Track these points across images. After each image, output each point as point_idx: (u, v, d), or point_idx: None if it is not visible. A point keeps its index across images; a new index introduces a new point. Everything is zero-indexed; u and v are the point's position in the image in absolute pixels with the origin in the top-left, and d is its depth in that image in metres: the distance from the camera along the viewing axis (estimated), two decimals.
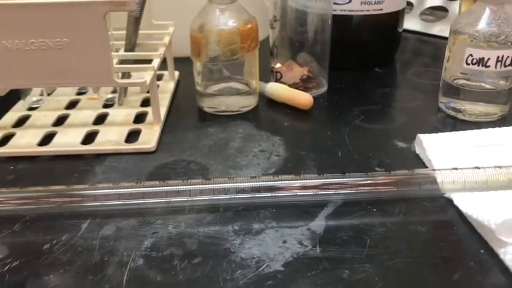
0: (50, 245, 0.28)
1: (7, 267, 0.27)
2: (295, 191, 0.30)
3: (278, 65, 0.49)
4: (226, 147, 0.38)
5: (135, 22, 0.41)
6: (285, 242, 0.28)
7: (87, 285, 0.25)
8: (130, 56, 0.41)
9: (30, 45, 0.33)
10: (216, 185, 0.31)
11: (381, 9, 0.51)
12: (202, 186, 0.30)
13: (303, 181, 0.30)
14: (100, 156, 0.38)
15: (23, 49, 0.34)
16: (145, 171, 0.35)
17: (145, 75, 0.37)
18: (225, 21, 0.41)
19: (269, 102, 0.46)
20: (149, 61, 0.42)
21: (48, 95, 0.47)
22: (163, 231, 0.29)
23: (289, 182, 0.31)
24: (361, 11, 0.51)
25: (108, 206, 0.31)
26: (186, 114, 0.45)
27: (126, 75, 0.44)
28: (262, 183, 0.30)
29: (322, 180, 0.31)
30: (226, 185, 0.31)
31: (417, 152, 0.37)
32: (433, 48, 0.63)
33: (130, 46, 0.42)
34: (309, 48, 0.47)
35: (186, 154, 0.38)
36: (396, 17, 0.54)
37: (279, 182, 0.31)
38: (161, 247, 0.28)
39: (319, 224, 0.29)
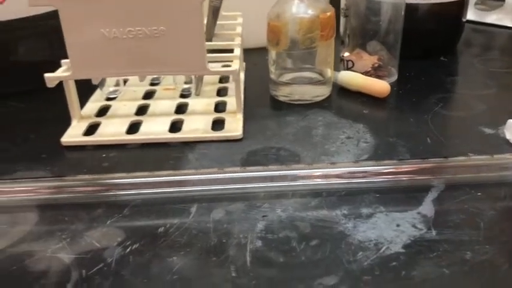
0: (164, 228, 0.29)
1: (128, 249, 0.27)
2: (400, 176, 0.31)
3: (346, 54, 0.49)
4: (310, 135, 0.39)
5: (215, 12, 0.41)
6: (398, 225, 0.28)
7: (212, 266, 0.26)
8: (213, 45, 0.41)
9: (128, 34, 0.34)
10: (320, 170, 0.31)
11: None
12: (306, 171, 0.31)
13: (407, 166, 0.31)
14: (188, 144, 0.38)
15: (120, 37, 0.34)
16: (238, 158, 0.36)
17: (232, 64, 0.38)
18: (305, 10, 0.41)
19: (341, 91, 0.46)
20: (227, 51, 0.42)
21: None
22: (273, 215, 0.30)
23: (394, 166, 0.31)
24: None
25: (213, 190, 0.31)
26: (260, 103, 0.45)
27: None
28: (368, 168, 0.30)
29: (424, 165, 0.31)
30: (328, 169, 0.31)
31: (507, 137, 0.37)
32: (489, 37, 0.62)
33: (210, 36, 0.42)
34: (381, 38, 0.46)
35: (272, 141, 0.38)
36: (461, 6, 0.54)
37: (383, 167, 0.31)
38: (275, 230, 0.28)
39: (427, 208, 0.30)
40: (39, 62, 0.49)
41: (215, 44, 0.42)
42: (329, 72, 0.45)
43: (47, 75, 0.36)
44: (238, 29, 0.46)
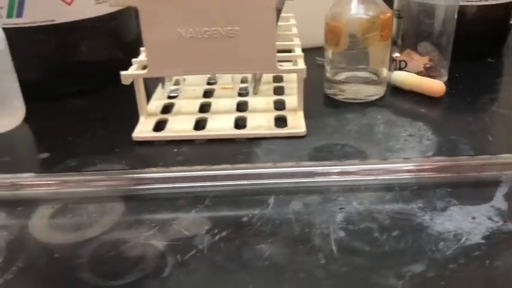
0: (247, 218, 0.30)
1: (217, 237, 0.29)
2: (469, 171, 0.32)
3: (396, 54, 0.50)
4: (372, 132, 0.40)
5: (277, 13, 0.43)
6: (474, 218, 0.29)
7: (301, 253, 0.27)
8: (278, 46, 0.43)
9: (203, 34, 0.35)
10: (392, 165, 0.32)
11: (496, 1, 0.52)
12: (381, 165, 0.32)
13: (480, 161, 0.32)
14: (253, 140, 0.39)
15: (196, 37, 0.36)
16: (305, 153, 0.37)
17: (298, 63, 0.39)
18: (365, 11, 0.42)
19: (393, 90, 0.48)
20: (283, 51, 0.44)
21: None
22: (350, 207, 0.31)
23: (462, 162, 0.32)
24: (477, 1, 0.52)
25: (288, 183, 0.33)
26: (315, 101, 0.46)
27: None
28: (442, 163, 0.31)
29: (492, 161, 0.32)
30: (400, 165, 0.32)
31: None
32: None
33: None
34: (435, 39, 0.48)
35: (335, 138, 0.39)
36: (508, 8, 0.54)
37: (451, 163, 0.32)
38: (355, 221, 0.30)
39: (500, 201, 0.31)
40: (98, 61, 0.51)
41: (280, 44, 0.43)
42: (384, 72, 0.46)
43: (123, 73, 0.38)
44: (294, 30, 0.48)
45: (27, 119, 0.43)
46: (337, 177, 0.33)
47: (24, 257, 0.28)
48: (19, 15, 0.44)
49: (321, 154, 0.37)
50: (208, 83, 0.50)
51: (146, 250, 0.28)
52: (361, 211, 0.30)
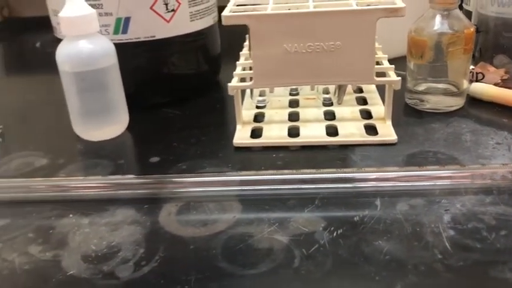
0: (358, 217, 0.33)
1: (335, 233, 0.31)
2: None
3: (472, 67, 0.52)
4: (460, 140, 0.42)
5: None
6: None
7: (417, 249, 0.29)
8: None
9: (307, 48, 0.39)
10: (491, 170, 0.34)
11: None
12: (478, 171, 0.34)
13: None
14: (346, 147, 0.42)
15: (300, 52, 0.39)
16: (399, 160, 0.39)
17: (390, 74, 0.42)
18: (450, 26, 0.45)
19: (472, 101, 0.49)
20: None
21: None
22: (454, 209, 0.33)
23: None
24: None
25: (392, 187, 0.35)
26: (397, 110, 0.48)
27: None
28: None
29: None
30: (496, 170, 0.34)
31: None
32: None
33: None
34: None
35: (426, 146, 0.41)
36: None
37: None
38: (462, 221, 0.32)
39: None
40: (187, 74, 0.55)
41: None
42: (465, 83, 0.48)
43: (230, 84, 0.42)
44: (377, 44, 0.50)
45: (129, 127, 0.48)
46: (437, 181, 0.35)
47: (163, 248, 0.31)
48: (124, 31, 0.48)
49: (415, 160, 0.39)
50: (291, 94, 0.53)
51: (272, 243, 0.31)
52: (465, 212, 0.32)
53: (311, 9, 0.38)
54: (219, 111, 0.53)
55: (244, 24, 0.38)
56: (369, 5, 0.40)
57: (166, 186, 0.37)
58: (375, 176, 0.35)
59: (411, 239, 0.30)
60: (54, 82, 0.65)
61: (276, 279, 0.28)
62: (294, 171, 0.36)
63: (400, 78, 0.40)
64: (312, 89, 0.50)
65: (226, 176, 0.36)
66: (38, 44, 0.85)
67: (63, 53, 0.43)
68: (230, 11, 0.39)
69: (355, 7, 0.38)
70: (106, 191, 0.37)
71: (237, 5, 0.43)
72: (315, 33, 0.38)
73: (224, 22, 0.39)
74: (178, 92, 0.54)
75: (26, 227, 0.34)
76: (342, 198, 0.35)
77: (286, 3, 0.44)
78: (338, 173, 0.35)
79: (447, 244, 0.30)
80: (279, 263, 0.29)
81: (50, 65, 0.76)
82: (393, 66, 0.43)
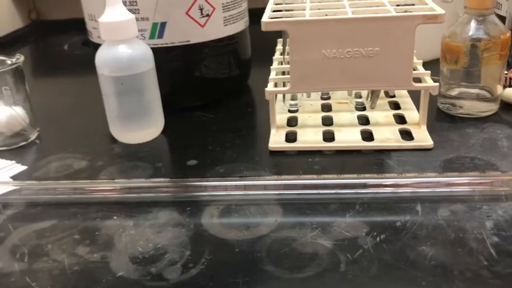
0: (400, 222, 0.33)
1: (378, 238, 0.32)
2: None
3: (505, 72, 0.52)
4: (497, 146, 0.42)
5: None
6: None
7: (462, 255, 0.30)
8: None
9: (345, 54, 0.39)
10: None
11: None
12: None
13: None
14: (381, 152, 0.42)
15: (338, 57, 0.39)
16: (436, 165, 0.40)
17: (428, 80, 0.42)
18: (486, 31, 0.45)
19: (505, 106, 0.49)
20: None
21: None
22: (496, 215, 0.33)
23: None
24: None
25: (433, 192, 0.35)
26: (430, 115, 0.48)
27: None
28: None
29: None
30: None
31: None
32: None
33: None
34: None
35: (462, 151, 0.42)
36: None
37: None
38: (505, 228, 0.32)
39: None
40: (219, 78, 0.55)
41: None
42: (499, 89, 0.48)
43: (267, 89, 0.42)
44: None
45: (163, 130, 0.48)
46: (477, 187, 0.35)
47: (208, 251, 0.32)
48: (160, 36, 0.49)
49: (453, 166, 0.39)
50: (322, 98, 0.53)
51: (316, 248, 0.31)
52: (508, 219, 0.33)
53: (350, 15, 0.38)
54: (250, 115, 0.54)
55: (284, 30, 0.39)
56: (406, 11, 0.41)
57: (207, 189, 0.37)
58: (415, 182, 0.35)
59: (455, 245, 0.31)
60: (85, 84, 0.67)
61: (324, 284, 0.29)
62: (336, 175, 0.36)
63: (437, 84, 0.40)
64: (349, 94, 0.50)
65: (268, 180, 0.37)
66: (65, 47, 0.87)
67: (102, 58, 0.44)
68: (269, 17, 0.40)
69: (394, 13, 0.38)
70: (148, 194, 0.38)
71: (273, 11, 0.44)
72: (354, 39, 0.38)
73: (264, 28, 0.39)
74: (210, 95, 0.55)
75: (73, 228, 0.35)
76: (382, 203, 0.35)
77: (321, 9, 0.44)
78: (379, 178, 0.36)
79: (492, 251, 0.30)
80: (325, 267, 0.30)
81: (78, 67, 0.78)
82: (429, 71, 0.43)
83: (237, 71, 0.57)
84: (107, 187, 0.38)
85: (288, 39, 0.47)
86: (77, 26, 0.96)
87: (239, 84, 0.58)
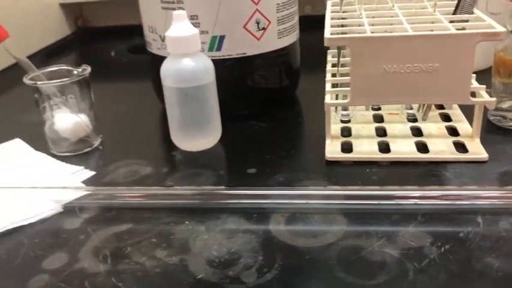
0: (463, 234, 0.34)
1: (442, 248, 0.33)
2: None
3: None
4: None
5: None
6: None
7: None
8: None
9: (405, 69, 0.40)
10: None
11: None
12: None
13: None
14: (436, 164, 0.43)
15: (398, 72, 0.41)
16: (493, 177, 0.41)
17: (483, 94, 0.43)
18: None
19: None
20: None
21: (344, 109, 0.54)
22: None
23: None
24: None
25: (493, 205, 0.37)
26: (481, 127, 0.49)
27: None
28: None
29: None
30: None
31: None
32: None
33: None
34: None
35: None
36: None
37: None
38: None
39: None
40: (271, 88, 0.57)
41: None
42: None
43: (327, 101, 0.44)
44: None
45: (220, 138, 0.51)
46: None
47: (280, 257, 0.34)
48: (218, 49, 0.51)
49: (508, 179, 0.41)
50: (373, 109, 0.54)
51: (384, 256, 0.33)
52: None
53: (411, 32, 0.40)
54: (301, 124, 0.56)
55: (346, 45, 0.41)
56: (464, 28, 0.42)
57: (272, 197, 0.39)
58: (476, 194, 0.37)
59: None
60: (137, 91, 0.70)
61: None
62: (398, 187, 0.38)
63: (495, 99, 0.42)
64: (408, 108, 0.51)
65: (332, 190, 0.39)
66: (112, 53, 0.90)
67: (167, 69, 0.47)
68: (330, 33, 0.42)
69: (454, 31, 0.40)
70: (216, 200, 0.40)
71: (332, 26, 0.45)
72: (414, 55, 0.40)
73: (326, 43, 0.41)
74: (261, 105, 0.57)
75: (149, 232, 0.37)
76: (443, 215, 0.37)
77: (375, 24, 0.46)
78: (441, 190, 0.37)
79: None
80: (395, 275, 0.31)
81: (128, 74, 0.81)
82: (484, 86, 0.44)
83: (287, 81, 0.59)
84: (177, 193, 0.40)
85: (342, 52, 0.49)
86: (122, 33, 1.01)
87: (289, 94, 0.60)
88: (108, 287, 0.32)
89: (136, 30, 1.00)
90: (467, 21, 0.45)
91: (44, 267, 0.35)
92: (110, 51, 0.91)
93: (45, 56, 0.89)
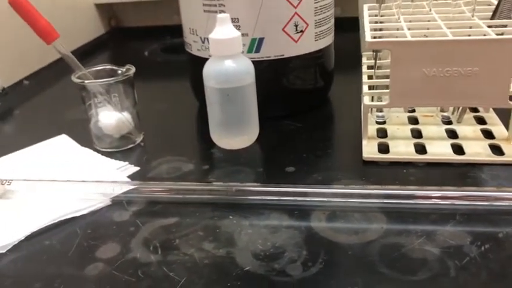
0: (502, 234, 0.35)
1: (482, 247, 0.34)
2: None
3: None
4: None
5: None
6: None
7: None
8: None
9: (445, 73, 0.41)
10: None
11: None
12: None
13: None
14: (472, 166, 0.44)
15: (437, 76, 0.42)
16: None
17: None
18: None
19: None
20: None
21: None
22: None
23: None
24: None
25: None
26: None
27: None
28: None
29: None
30: None
31: None
32: None
33: None
34: None
35: None
36: None
37: None
38: None
39: None
40: (306, 89, 0.59)
41: None
42: None
43: (367, 103, 0.45)
44: None
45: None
46: None
47: (323, 252, 0.35)
48: (257, 51, 0.53)
49: None
50: (408, 110, 0.55)
51: (425, 254, 0.34)
52: None
53: (451, 37, 0.41)
54: (335, 124, 0.57)
55: (387, 49, 0.42)
56: (503, 33, 0.43)
57: (313, 195, 0.41)
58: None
59: None
60: (173, 90, 0.72)
61: (438, 287, 0.31)
62: (437, 187, 0.39)
63: None
64: (446, 110, 0.52)
65: (372, 190, 0.40)
66: (146, 53, 0.93)
67: (210, 71, 0.48)
68: (371, 36, 0.43)
69: (494, 36, 0.40)
70: (258, 196, 0.42)
71: (371, 30, 0.47)
72: (453, 59, 0.41)
73: (368, 47, 0.42)
74: (297, 105, 0.59)
75: (195, 226, 0.39)
76: (481, 215, 0.38)
77: (412, 28, 0.47)
78: (479, 191, 0.38)
79: None
80: (436, 272, 0.32)
81: (163, 73, 0.83)
82: None
83: (321, 83, 0.60)
84: (220, 189, 0.42)
85: (378, 55, 0.51)
86: (153, 34, 1.03)
87: (323, 95, 0.62)
88: (160, 277, 0.34)
89: (168, 31, 1.04)
90: (505, 26, 0.46)
91: (98, 256, 0.37)
92: (143, 50, 0.94)
93: (82, 55, 0.91)
